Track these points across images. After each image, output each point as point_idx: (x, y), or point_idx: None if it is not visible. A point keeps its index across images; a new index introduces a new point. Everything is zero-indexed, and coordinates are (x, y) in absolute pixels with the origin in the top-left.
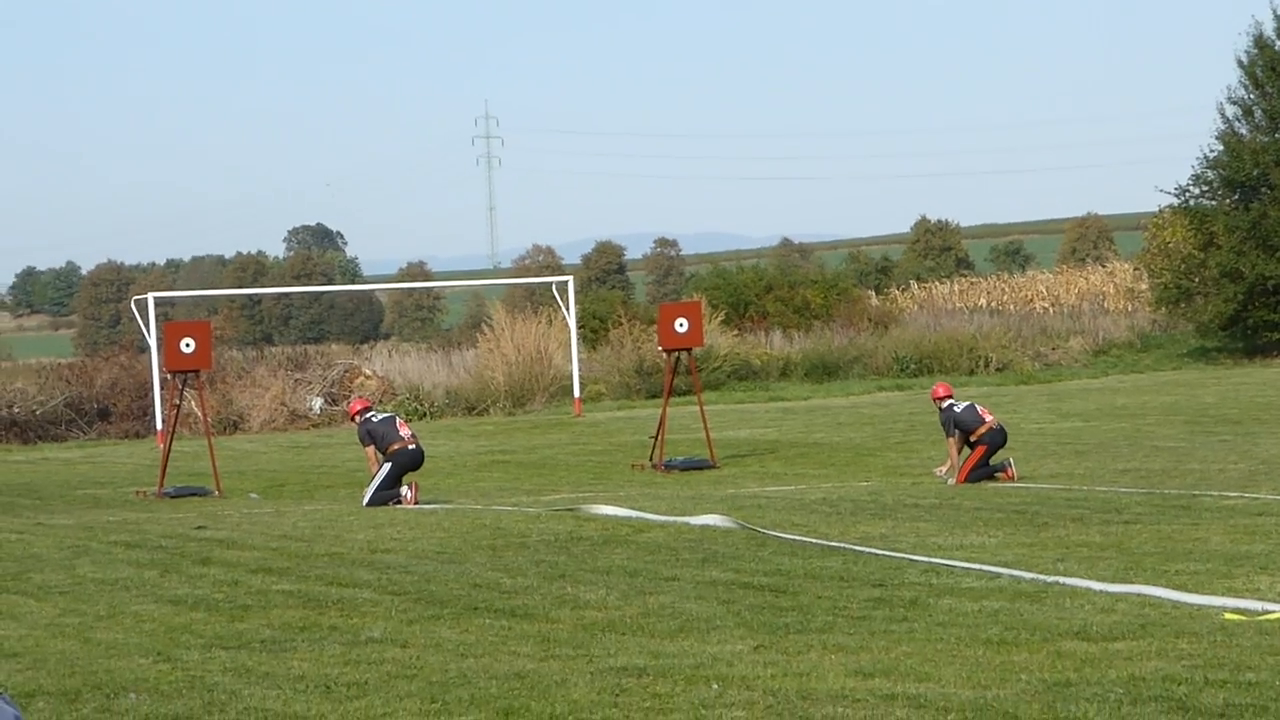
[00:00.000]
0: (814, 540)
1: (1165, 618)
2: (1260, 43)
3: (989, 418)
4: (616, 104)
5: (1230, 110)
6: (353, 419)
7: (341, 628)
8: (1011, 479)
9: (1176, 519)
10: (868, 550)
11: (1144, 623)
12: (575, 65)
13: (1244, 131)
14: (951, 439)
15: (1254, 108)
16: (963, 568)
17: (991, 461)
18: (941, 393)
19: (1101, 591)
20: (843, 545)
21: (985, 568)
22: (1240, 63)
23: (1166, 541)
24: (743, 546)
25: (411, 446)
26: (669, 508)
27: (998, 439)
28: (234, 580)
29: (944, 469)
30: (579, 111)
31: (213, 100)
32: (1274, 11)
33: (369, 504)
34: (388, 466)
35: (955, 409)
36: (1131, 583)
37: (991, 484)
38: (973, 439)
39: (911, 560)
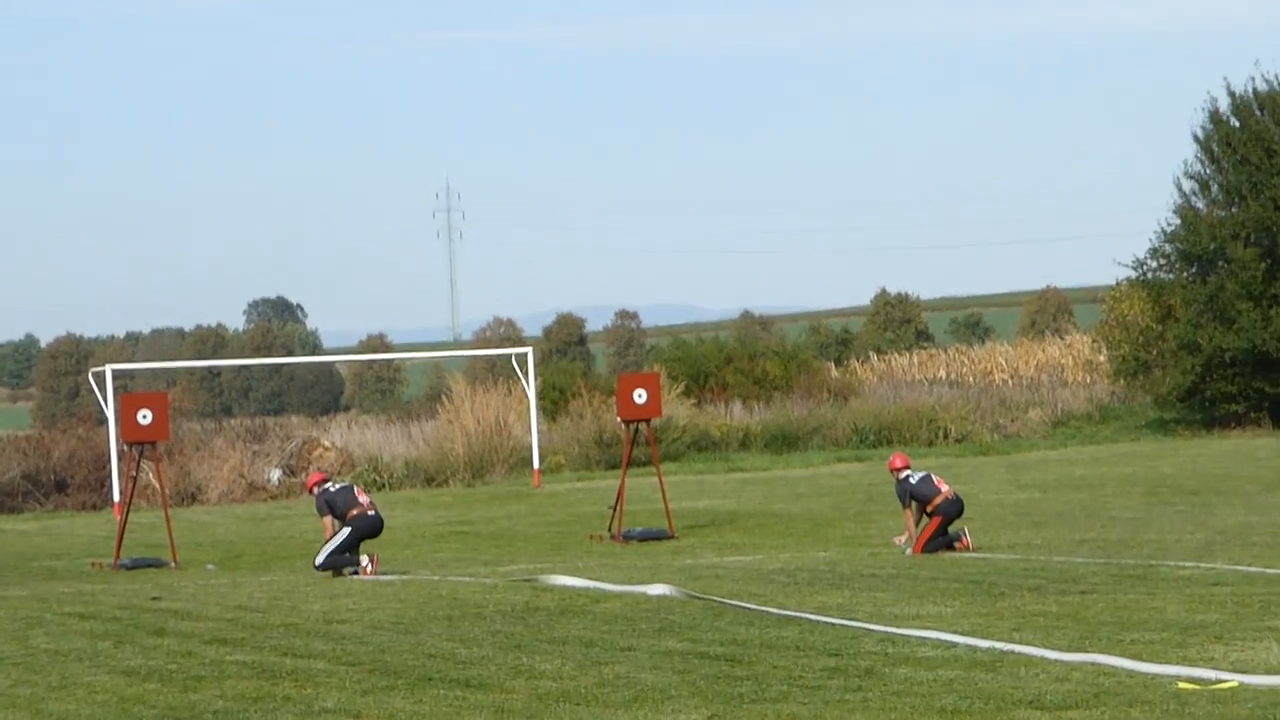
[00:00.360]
0: (770, 610)
1: (1119, 686)
2: (1215, 118)
3: (944, 488)
4: (579, 177)
5: (1187, 185)
6: (310, 491)
7: (295, 698)
8: (968, 548)
9: (1133, 588)
10: (824, 620)
11: (1098, 691)
12: (537, 138)
13: (1200, 206)
14: (908, 509)
15: (1210, 182)
16: (919, 637)
17: (949, 530)
18: (899, 464)
19: (1056, 660)
20: (799, 615)
21: (941, 636)
22: (1196, 138)
23: (1122, 611)
24: (699, 616)
25: (371, 513)
26: (626, 578)
27: (953, 509)
28: (188, 651)
29: (902, 539)
30: (541, 185)
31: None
32: (1228, 88)
33: (321, 566)
34: (346, 531)
35: (911, 479)
36: (1087, 651)
37: (949, 554)
38: (929, 509)
39: (868, 629)
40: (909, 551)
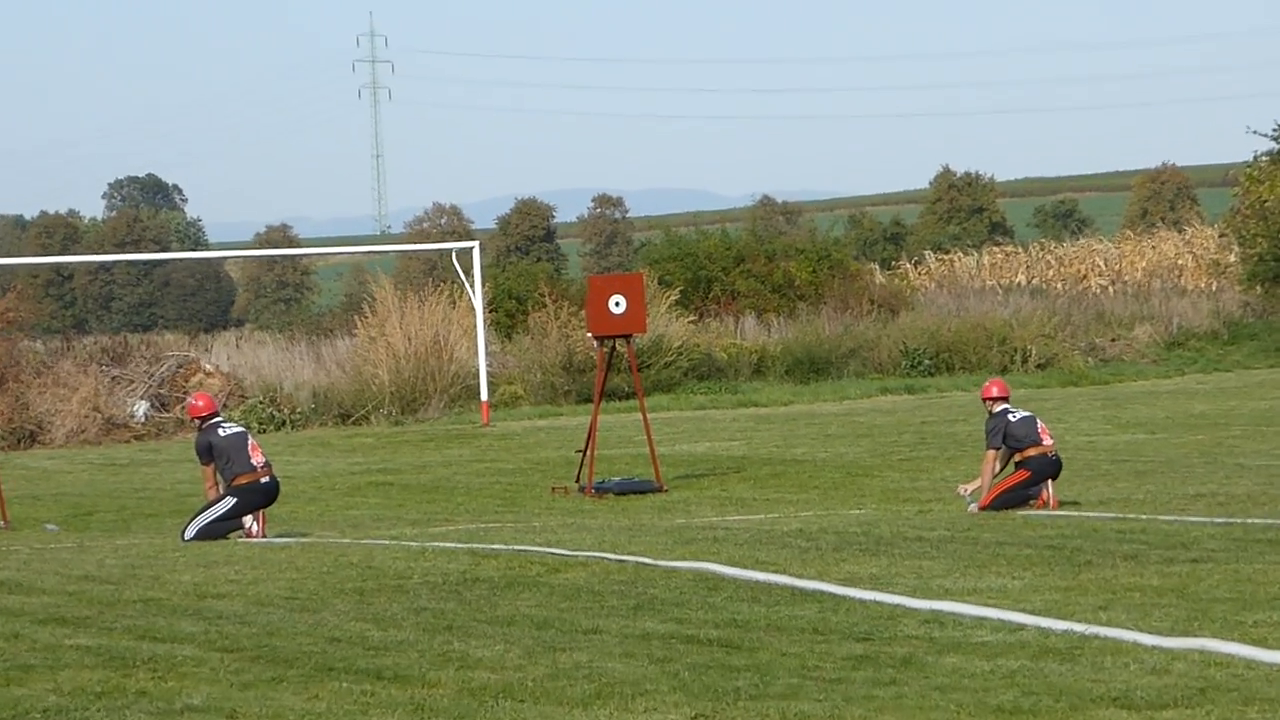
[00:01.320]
0: (782, 580)
1: (1234, 680)
2: None
3: (1047, 440)
4: (545, 17)
5: None
6: (195, 423)
7: (152, 693)
8: (1047, 504)
9: (1260, 557)
10: (852, 594)
11: (1205, 686)
12: None
13: None
14: (994, 451)
15: None
16: (975, 617)
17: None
18: (995, 392)
19: (1154, 647)
20: (820, 587)
21: (1005, 615)
22: None
23: (1244, 585)
24: (689, 591)
25: (265, 479)
26: (595, 542)
27: (1049, 469)
28: (14, 633)
29: (970, 487)
30: (494, 26)
31: (10, 13)
32: None
33: (193, 539)
34: (228, 502)
35: (1011, 416)
36: (1194, 636)
37: (1020, 512)
38: (1019, 458)
39: (908, 607)
40: (973, 506)
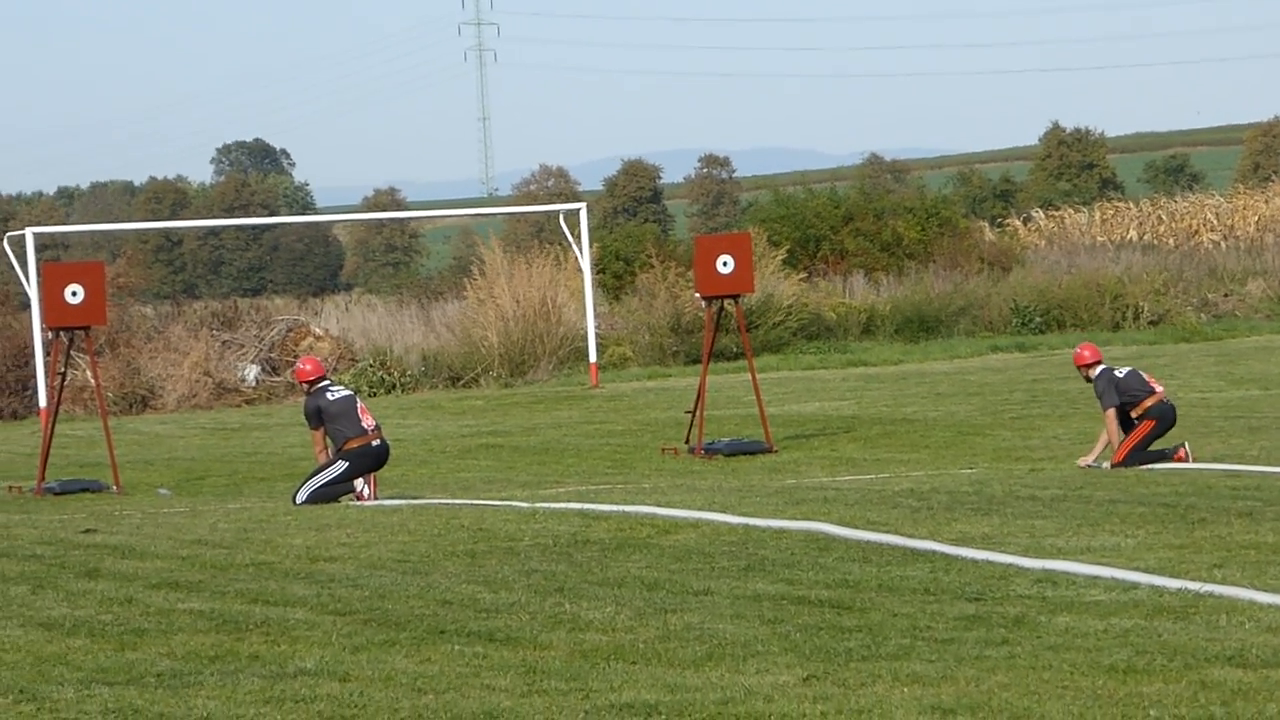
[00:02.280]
0: (893, 540)
1: None
2: None
3: (1159, 387)
4: None
5: None
6: (303, 387)
7: (265, 657)
8: (1185, 460)
9: None
10: (964, 554)
11: None
12: None
13: None
14: (1112, 409)
15: None
16: (1088, 575)
17: (1156, 446)
18: (1089, 356)
19: (1269, 605)
20: (932, 547)
21: (1118, 574)
22: None
23: None
24: (800, 552)
25: (375, 443)
26: (706, 503)
27: (1170, 414)
28: (127, 597)
29: (1091, 457)
30: None
31: None
32: None
33: (304, 503)
34: (341, 466)
35: (1116, 373)
36: None
37: (1152, 468)
38: (1138, 413)
39: (1020, 567)
40: (1106, 464)
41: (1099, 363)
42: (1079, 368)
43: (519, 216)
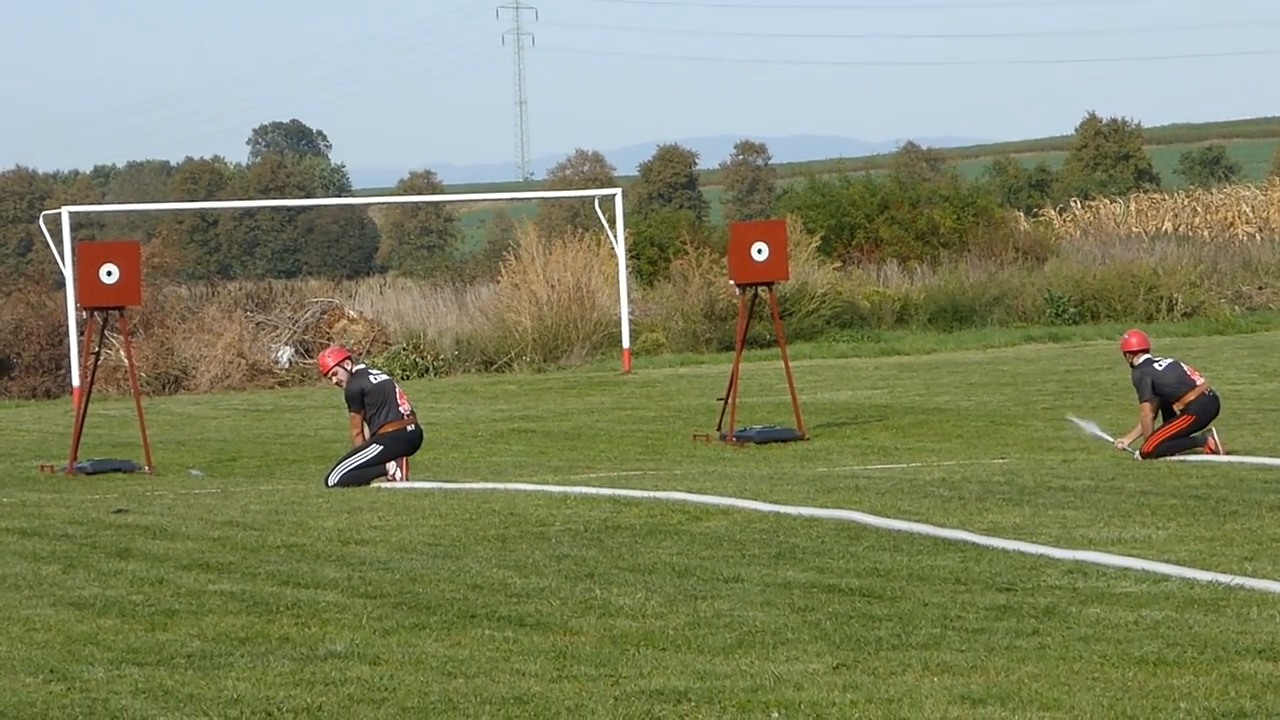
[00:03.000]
0: (924, 529)
1: None
2: None
3: (1200, 380)
4: None
5: None
6: (325, 376)
7: (295, 639)
8: (1215, 451)
9: None
10: (994, 544)
11: None
12: None
13: None
14: (1148, 403)
15: None
16: (1118, 567)
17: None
18: (1135, 344)
19: None
20: (963, 537)
21: (1149, 566)
22: None
23: None
24: (830, 540)
25: (410, 428)
26: (737, 490)
27: (1211, 407)
28: (159, 578)
29: (1127, 440)
30: None
31: None
32: None
33: (337, 484)
34: (375, 449)
35: (1156, 365)
36: None
37: (1177, 460)
38: (1178, 407)
39: (1051, 557)
40: (1136, 453)
41: (1145, 351)
42: (1125, 353)
43: (554, 201)
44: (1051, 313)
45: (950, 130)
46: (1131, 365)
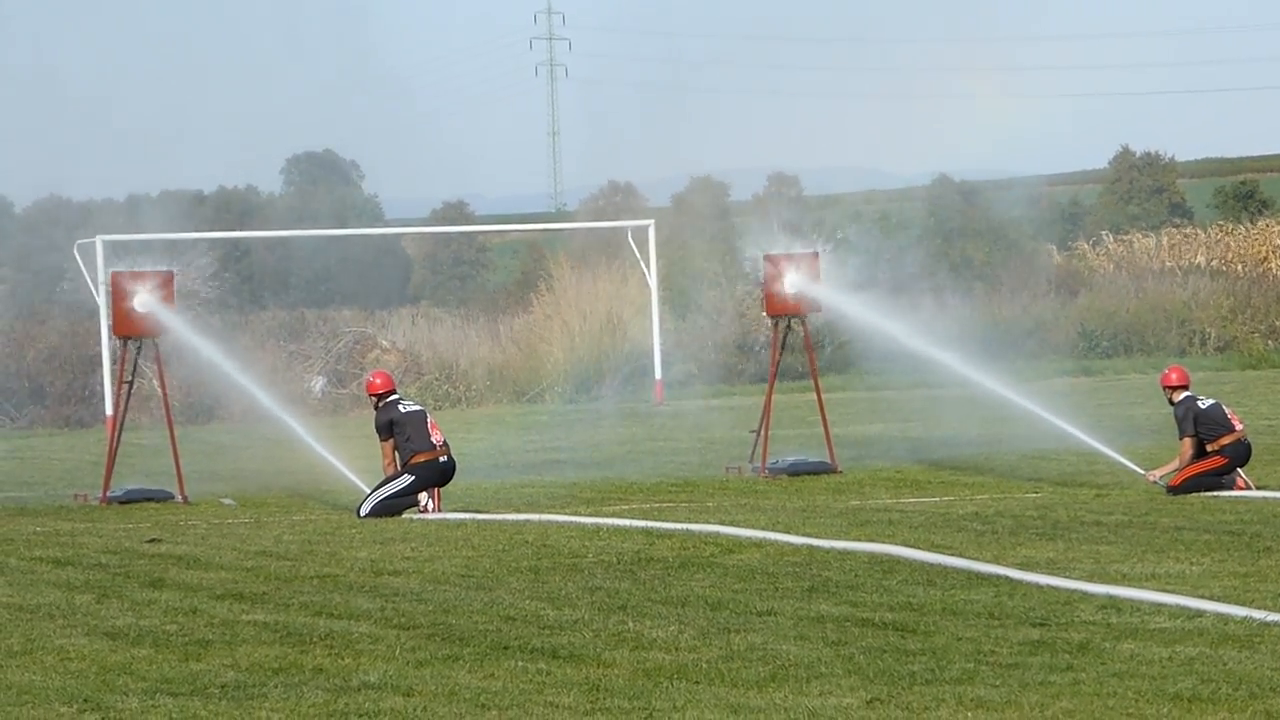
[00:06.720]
0: (958, 564)
1: None
2: None
3: (1239, 425)
4: None
5: None
6: (372, 400)
7: (329, 670)
8: (1247, 488)
9: None
10: (1029, 579)
11: None
12: None
13: None
14: (1189, 439)
15: None
16: (1152, 602)
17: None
18: (1176, 379)
19: None
20: (996, 571)
21: (1183, 601)
22: None
23: None
24: (864, 573)
25: (443, 459)
26: (770, 523)
27: (1243, 454)
28: (192, 608)
29: (1159, 474)
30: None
31: None
32: None
33: (369, 515)
34: (407, 480)
35: (1199, 403)
36: None
37: (1211, 495)
38: (1212, 448)
39: (1085, 592)
40: (1164, 484)
41: (1185, 388)
42: (1164, 388)
43: (586, 231)
44: (1084, 346)
45: (984, 161)
46: (1170, 401)
